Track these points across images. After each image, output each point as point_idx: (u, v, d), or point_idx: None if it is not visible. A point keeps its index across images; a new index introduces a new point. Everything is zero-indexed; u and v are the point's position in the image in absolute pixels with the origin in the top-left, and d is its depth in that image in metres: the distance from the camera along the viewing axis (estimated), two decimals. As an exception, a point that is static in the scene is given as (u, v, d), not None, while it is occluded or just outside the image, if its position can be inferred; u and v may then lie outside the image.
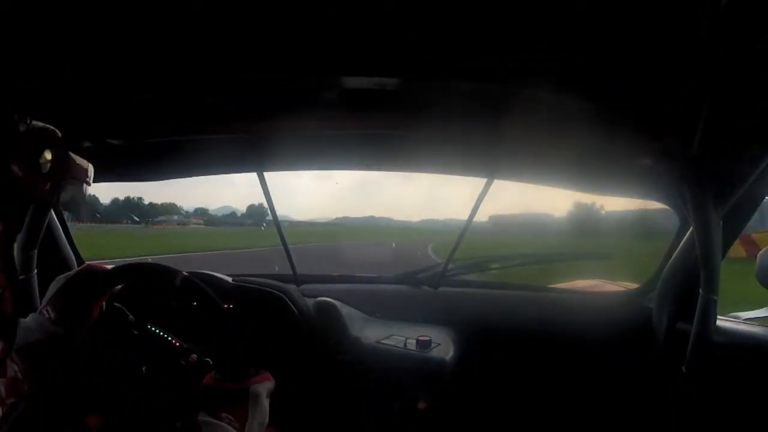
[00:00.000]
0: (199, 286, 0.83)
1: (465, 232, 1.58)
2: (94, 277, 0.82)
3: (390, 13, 0.69)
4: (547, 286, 1.73)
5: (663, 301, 1.37)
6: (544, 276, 1.95)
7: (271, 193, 1.54)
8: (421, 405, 1.25)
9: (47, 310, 0.78)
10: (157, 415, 0.81)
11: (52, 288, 0.82)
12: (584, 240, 5.45)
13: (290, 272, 1.59)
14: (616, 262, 1.80)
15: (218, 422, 0.72)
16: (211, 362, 0.84)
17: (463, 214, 1.59)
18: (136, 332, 0.86)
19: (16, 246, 1.18)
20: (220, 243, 13.05)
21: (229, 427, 0.72)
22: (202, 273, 1.22)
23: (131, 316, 0.86)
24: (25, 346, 0.71)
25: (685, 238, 1.29)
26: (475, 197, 1.49)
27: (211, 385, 0.78)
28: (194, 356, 0.85)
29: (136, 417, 0.81)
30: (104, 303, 0.84)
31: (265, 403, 0.79)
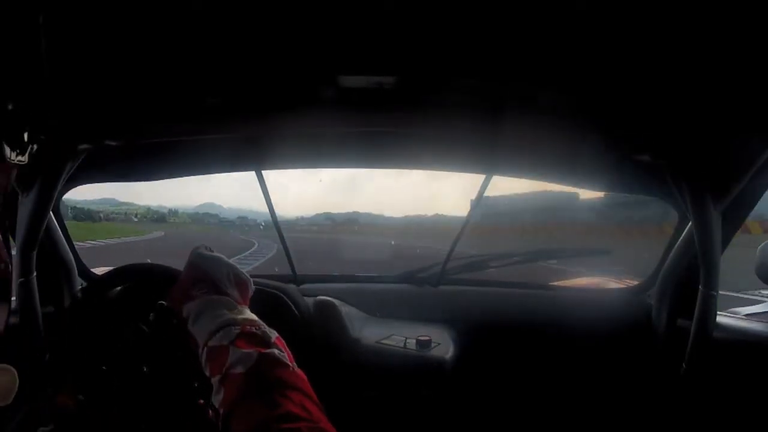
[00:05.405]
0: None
1: (464, 229, 1.58)
2: None
3: (389, 11, 0.68)
4: (547, 284, 1.72)
5: (663, 297, 1.37)
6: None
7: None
8: (421, 405, 1.25)
9: None
10: (169, 400, 0.82)
11: None
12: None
13: (290, 272, 1.59)
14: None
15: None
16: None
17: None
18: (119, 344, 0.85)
19: (14, 248, 1.18)
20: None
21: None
22: None
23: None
24: None
25: (683, 234, 1.29)
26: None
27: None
28: (174, 320, 0.84)
29: (152, 410, 0.82)
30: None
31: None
